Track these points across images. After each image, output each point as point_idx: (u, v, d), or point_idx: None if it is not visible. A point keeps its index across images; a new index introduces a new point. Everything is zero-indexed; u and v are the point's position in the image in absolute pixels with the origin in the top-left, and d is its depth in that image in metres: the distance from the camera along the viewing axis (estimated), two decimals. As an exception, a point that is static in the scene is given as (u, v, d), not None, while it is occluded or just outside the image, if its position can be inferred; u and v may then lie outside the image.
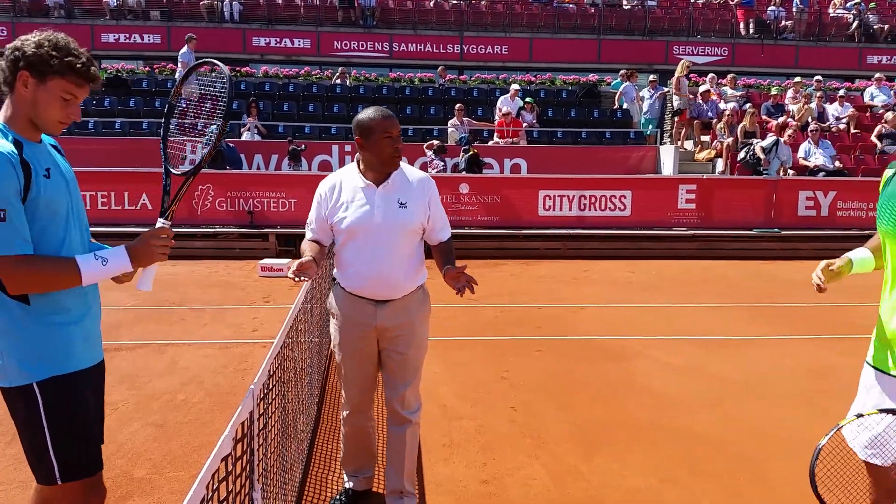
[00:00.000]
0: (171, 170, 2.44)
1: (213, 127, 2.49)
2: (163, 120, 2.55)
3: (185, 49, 14.65)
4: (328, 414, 4.69)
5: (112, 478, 3.74)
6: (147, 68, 16.57)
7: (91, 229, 2.49)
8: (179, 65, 14.72)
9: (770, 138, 13.20)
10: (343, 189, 3.19)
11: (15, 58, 2.20)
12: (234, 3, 18.36)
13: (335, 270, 3.34)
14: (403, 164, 3.28)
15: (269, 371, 2.46)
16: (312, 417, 4.38)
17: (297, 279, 2.87)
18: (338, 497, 3.51)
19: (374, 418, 3.53)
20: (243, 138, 13.66)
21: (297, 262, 2.92)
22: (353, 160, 3.37)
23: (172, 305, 7.84)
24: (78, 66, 2.24)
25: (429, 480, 3.79)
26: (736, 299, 8.58)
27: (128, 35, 18.11)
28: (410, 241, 3.21)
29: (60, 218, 2.24)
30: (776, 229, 12.31)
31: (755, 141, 13.35)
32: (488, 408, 4.86)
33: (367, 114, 3.17)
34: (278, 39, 18.49)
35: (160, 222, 2.33)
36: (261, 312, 7.60)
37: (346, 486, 3.54)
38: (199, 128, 2.60)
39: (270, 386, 2.52)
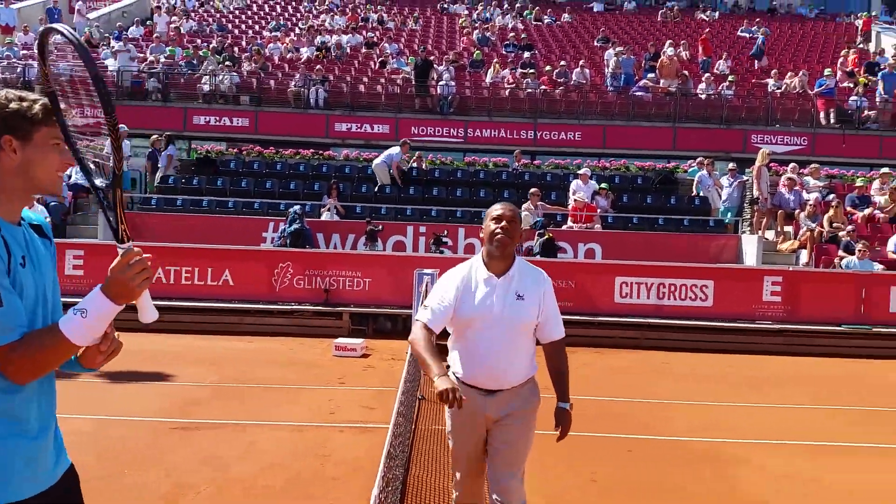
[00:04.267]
0: (95, 181, 1.98)
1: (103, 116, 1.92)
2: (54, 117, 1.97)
3: (397, 150, 15.45)
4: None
5: (195, 569, 3.62)
6: (235, 150, 17.33)
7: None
8: (390, 164, 15.25)
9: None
10: (469, 279, 3.29)
11: None
12: (319, 90, 19.21)
13: (449, 357, 3.42)
14: (523, 260, 3.42)
15: (383, 474, 2.34)
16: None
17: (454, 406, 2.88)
18: None
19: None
20: (323, 218, 13.98)
21: (453, 395, 2.88)
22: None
23: (249, 384, 7.85)
24: (48, 106, 1.96)
25: None
26: (834, 401, 8.03)
27: (218, 118, 19.07)
28: (524, 335, 3.30)
29: (26, 307, 1.93)
30: (867, 326, 11.65)
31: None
32: (580, 512, 4.57)
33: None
34: (359, 125, 19.13)
35: (121, 248, 1.89)
36: (336, 394, 7.52)
37: None
38: (88, 122, 2.05)
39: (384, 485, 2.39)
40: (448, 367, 3.32)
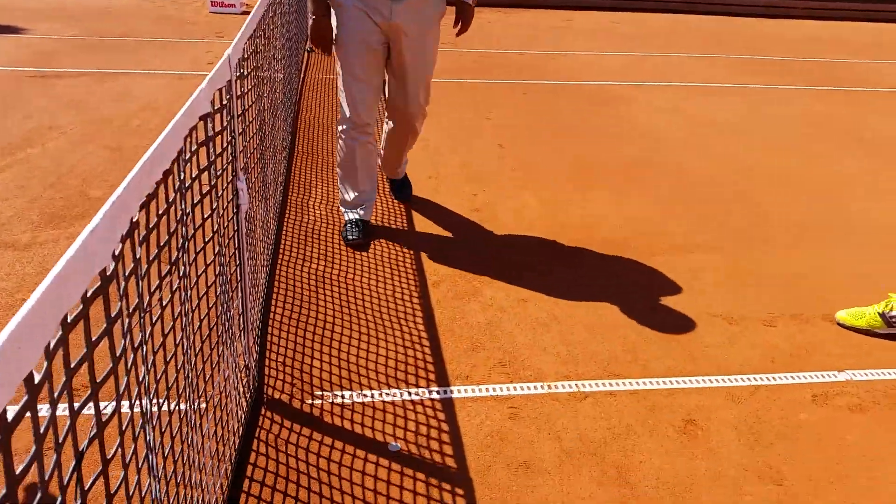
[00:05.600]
0: None
1: None
2: None
3: None
4: (302, 146, 4.33)
5: (66, 197, 3.40)
6: None
7: None
8: None
9: None
10: None
11: None
12: None
13: None
14: None
15: (244, 48, 2.01)
16: (287, 144, 4.02)
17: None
18: (348, 227, 3.12)
19: (375, 137, 3.11)
20: None
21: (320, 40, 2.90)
22: None
23: (119, 37, 7.05)
24: None
25: (414, 210, 3.55)
26: (725, 51, 8.12)
27: None
28: None
29: None
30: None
31: None
32: (473, 145, 4.55)
33: None
34: None
35: None
36: (214, 47, 6.91)
37: (350, 217, 3.17)
38: None
39: (248, 70, 2.08)
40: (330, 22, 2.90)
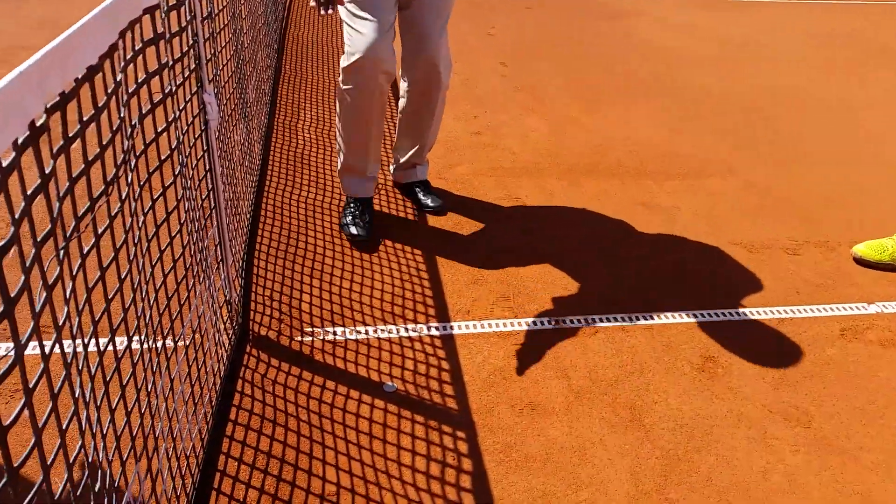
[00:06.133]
0: None
1: None
2: None
3: None
4: (290, 65, 4.06)
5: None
6: None
7: None
8: None
9: None
10: None
11: None
12: None
13: None
14: None
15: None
16: (273, 62, 3.76)
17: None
18: (351, 209, 2.49)
19: (393, 71, 2.32)
20: None
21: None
22: None
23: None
24: None
25: (413, 131, 3.32)
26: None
27: None
28: None
29: None
30: None
31: None
32: (474, 63, 4.27)
33: None
34: None
35: None
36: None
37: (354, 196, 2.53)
38: None
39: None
40: None
